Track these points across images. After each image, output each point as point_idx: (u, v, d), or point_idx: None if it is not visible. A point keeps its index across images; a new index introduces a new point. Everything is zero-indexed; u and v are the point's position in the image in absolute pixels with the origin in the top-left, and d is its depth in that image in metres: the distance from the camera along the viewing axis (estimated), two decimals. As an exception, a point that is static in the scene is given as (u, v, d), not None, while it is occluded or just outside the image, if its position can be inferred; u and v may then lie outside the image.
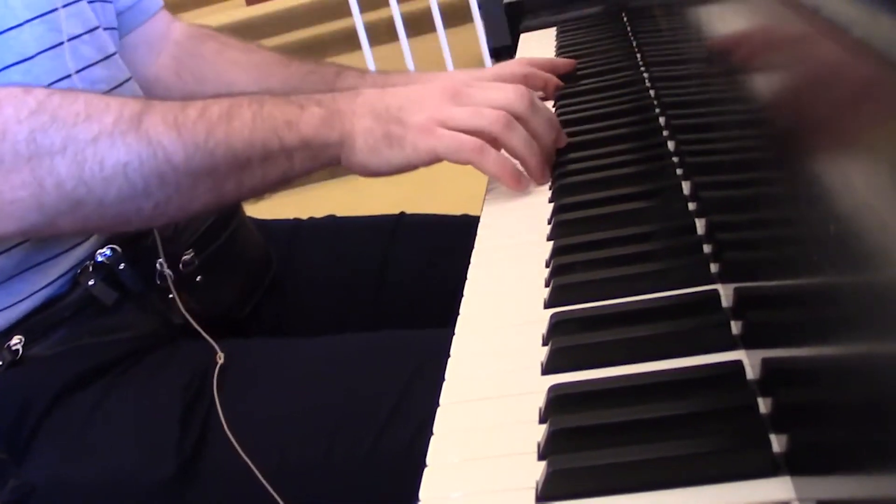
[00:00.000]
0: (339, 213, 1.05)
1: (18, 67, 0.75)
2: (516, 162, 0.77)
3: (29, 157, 0.68)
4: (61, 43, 0.79)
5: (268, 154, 0.72)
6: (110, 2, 0.90)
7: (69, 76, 0.79)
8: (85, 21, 0.82)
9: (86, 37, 0.82)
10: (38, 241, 0.77)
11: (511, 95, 0.76)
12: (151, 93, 0.98)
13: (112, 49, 0.86)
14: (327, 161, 0.75)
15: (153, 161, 0.70)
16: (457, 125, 0.74)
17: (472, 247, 0.72)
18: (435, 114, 0.74)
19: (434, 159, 0.74)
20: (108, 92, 0.83)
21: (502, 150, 0.76)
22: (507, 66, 1.01)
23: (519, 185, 0.76)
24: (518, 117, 0.75)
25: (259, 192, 0.76)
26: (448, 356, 0.58)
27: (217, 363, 0.76)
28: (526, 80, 0.98)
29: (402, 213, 1.02)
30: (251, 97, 0.74)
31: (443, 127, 0.73)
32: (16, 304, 0.77)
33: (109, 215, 0.71)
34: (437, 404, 0.53)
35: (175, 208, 0.73)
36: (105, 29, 0.86)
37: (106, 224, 0.74)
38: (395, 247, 0.98)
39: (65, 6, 0.80)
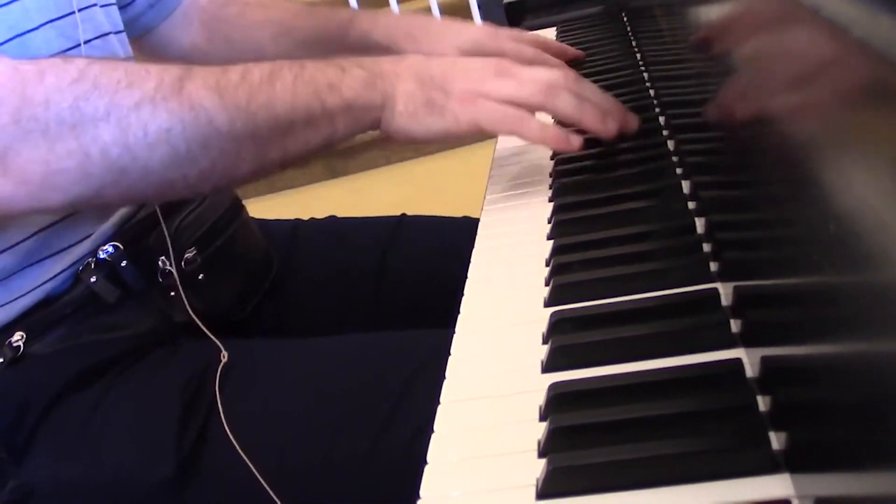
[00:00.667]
0: (340, 213, 1.05)
1: None
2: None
3: (73, 125, 0.67)
4: (72, 48, 0.79)
5: (310, 117, 0.72)
6: (117, 5, 0.90)
7: None
8: (95, 26, 0.82)
9: (96, 42, 0.82)
10: (42, 237, 0.77)
11: (556, 73, 0.76)
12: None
13: (125, 54, 0.86)
14: (369, 124, 0.75)
15: (196, 125, 0.69)
16: (499, 96, 0.73)
17: (473, 248, 0.72)
18: (478, 84, 0.74)
19: (475, 130, 0.74)
20: None
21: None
22: (519, 38, 1.01)
23: (569, 145, 0.75)
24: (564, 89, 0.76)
25: (303, 158, 0.75)
26: (447, 356, 0.58)
27: (221, 361, 0.76)
28: (534, 60, 0.97)
29: (403, 215, 1.02)
30: (292, 61, 0.73)
31: (483, 94, 0.73)
32: (16, 299, 0.77)
33: (154, 182, 0.70)
34: (436, 405, 0.53)
35: (220, 174, 0.72)
36: (114, 34, 0.86)
37: (151, 192, 0.73)
38: (395, 248, 0.98)
39: (80, 10, 0.80)
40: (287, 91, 0.71)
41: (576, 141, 0.75)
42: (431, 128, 0.74)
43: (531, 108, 0.74)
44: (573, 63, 1.04)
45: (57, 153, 0.67)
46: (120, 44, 0.87)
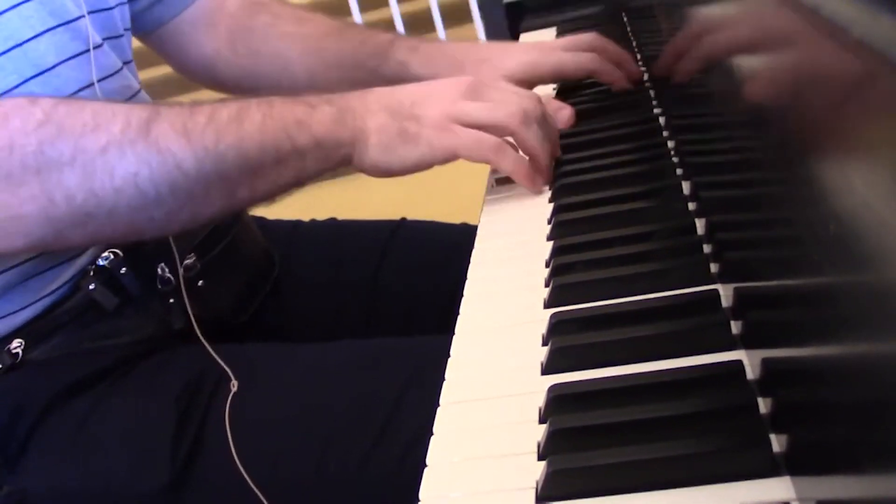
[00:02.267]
0: (341, 214, 1.05)
1: (38, 80, 0.74)
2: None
3: (38, 170, 0.66)
4: (83, 52, 0.78)
5: (280, 156, 0.71)
6: (127, 3, 0.90)
7: (90, 86, 0.78)
8: (101, 30, 0.82)
9: (106, 45, 0.82)
10: (46, 254, 0.76)
11: (525, 101, 0.76)
12: (212, 71, 1.00)
13: (124, 58, 0.86)
14: (339, 161, 0.73)
15: (163, 169, 0.68)
16: (472, 120, 0.73)
17: (471, 254, 0.71)
18: (449, 108, 0.73)
19: (451, 157, 0.73)
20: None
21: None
22: (574, 48, 0.94)
23: (534, 184, 0.76)
24: (530, 118, 0.75)
25: (272, 196, 0.74)
26: (444, 364, 0.58)
27: (231, 391, 0.75)
28: (596, 73, 0.94)
29: (403, 219, 1.02)
30: (260, 99, 0.72)
31: (458, 123, 0.72)
32: (19, 311, 0.76)
33: (120, 226, 0.70)
34: (430, 416, 0.53)
35: (187, 216, 0.72)
36: (119, 37, 0.86)
37: (117, 235, 0.73)
38: (393, 253, 0.97)
39: (91, 13, 0.80)
40: (256, 130, 0.71)
41: (539, 183, 0.77)
42: (407, 159, 0.73)
43: (504, 132, 0.74)
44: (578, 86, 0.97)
45: (20, 198, 0.66)
46: (127, 46, 0.87)
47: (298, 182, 0.74)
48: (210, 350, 0.79)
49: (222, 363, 0.77)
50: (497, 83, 0.78)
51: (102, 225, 0.69)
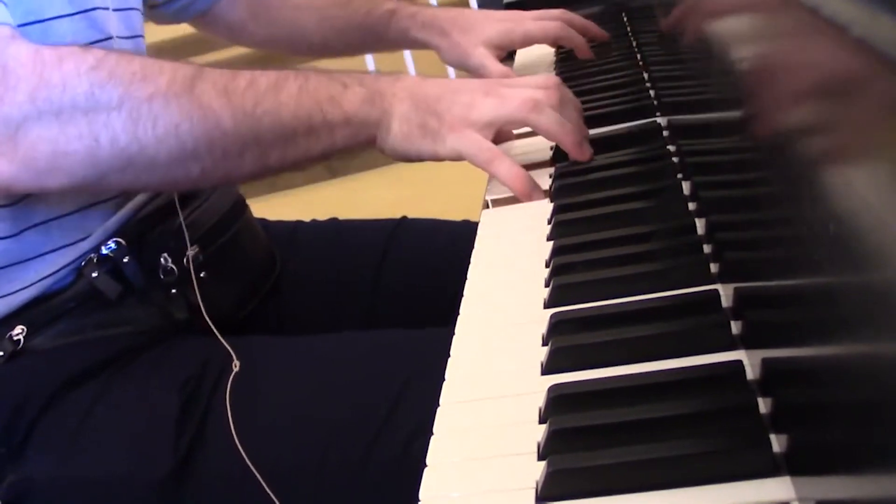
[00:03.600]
0: (341, 213, 1.05)
1: None
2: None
3: (86, 111, 0.70)
4: (100, 41, 0.80)
5: (312, 127, 0.75)
6: (140, 10, 0.91)
7: None
8: (118, 27, 0.83)
9: (122, 41, 0.83)
10: (44, 229, 0.77)
11: (542, 90, 0.77)
12: (239, 38, 1.12)
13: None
14: (365, 139, 0.77)
15: (203, 124, 0.72)
16: (486, 118, 0.75)
17: (472, 252, 0.72)
18: (468, 109, 0.76)
19: (457, 157, 0.76)
20: None
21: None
22: (544, 18, 1.07)
23: (528, 196, 0.77)
24: (547, 104, 0.77)
25: (301, 165, 0.78)
26: (445, 358, 0.58)
27: (233, 370, 0.76)
28: (560, 38, 1.08)
29: (404, 218, 1.02)
30: (297, 72, 0.76)
31: (472, 126, 0.75)
32: (17, 291, 0.77)
33: (158, 174, 0.73)
34: (434, 406, 0.53)
35: (221, 173, 0.75)
36: (133, 38, 0.87)
37: (154, 183, 0.77)
38: (394, 251, 0.98)
39: (109, 9, 0.82)
40: (292, 100, 0.74)
41: (537, 194, 0.77)
42: (422, 150, 0.77)
43: (516, 124, 0.77)
44: (568, 74, 1.04)
45: (67, 135, 0.70)
46: (135, 49, 0.87)
47: (327, 154, 0.77)
48: (214, 330, 0.80)
49: (224, 343, 0.78)
50: (516, 80, 0.82)
51: (142, 171, 0.72)
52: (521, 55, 1.20)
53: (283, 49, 1.14)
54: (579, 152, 0.79)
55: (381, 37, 1.08)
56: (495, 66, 1.03)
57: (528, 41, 1.09)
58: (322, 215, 1.05)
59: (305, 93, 0.75)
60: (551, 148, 0.85)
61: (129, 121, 0.70)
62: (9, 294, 0.77)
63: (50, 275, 0.78)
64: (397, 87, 0.77)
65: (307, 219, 1.04)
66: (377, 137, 0.77)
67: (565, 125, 0.78)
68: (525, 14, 1.08)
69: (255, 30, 1.09)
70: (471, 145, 0.75)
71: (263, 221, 1.00)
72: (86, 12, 0.79)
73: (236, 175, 0.78)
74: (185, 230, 0.83)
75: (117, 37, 0.82)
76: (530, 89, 0.78)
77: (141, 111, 0.71)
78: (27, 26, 0.74)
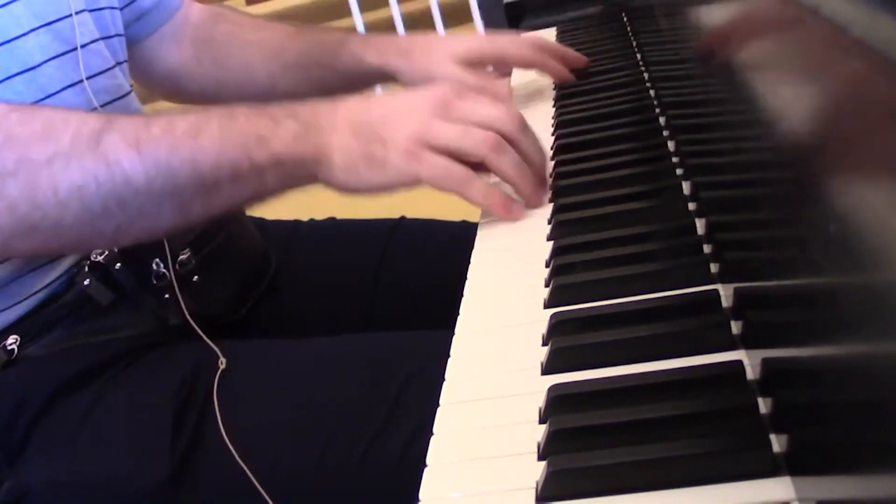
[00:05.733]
0: (340, 213, 1.05)
1: (22, 77, 0.74)
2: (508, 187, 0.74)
3: None
4: (68, 51, 0.78)
5: (237, 173, 0.69)
6: (119, 8, 0.90)
7: (76, 84, 0.78)
8: (91, 30, 0.82)
9: (92, 46, 0.81)
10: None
11: (502, 115, 0.72)
12: (181, 84, 1.01)
13: (117, 59, 0.86)
14: (303, 179, 0.72)
15: (111, 183, 0.66)
16: (442, 143, 0.70)
17: (471, 253, 0.71)
18: (419, 131, 0.70)
19: (416, 184, 0.71)
20: (109, 104, 0.82)
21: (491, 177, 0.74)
22: (518, 41, 0.99)
23: (509, 214, 0.73)
24: (507, 138, 0.72)
25: (230, 210, 0.73)
26: (444, 359, 0.58)
27: (219, 368, 0.75)
28: (535, 63, 0.99)
29: (402, 218, 1.02)
30: (223, 110, 0.70)
31: (427, 147, 0.69)
32: (14, 305, 0.77)
33: (68, 238, 0.69)
34: (433, 408, 0.53)
35: (139, 230, 0.70)
36: (111, 37, 0.86)
37: (66, 246, 0.72)
38: (393, 251, 0.97)
39: (77, 13, 0.79)
40: (213, 145, 0.68)
41: (518, 210, 0.73)
42: (371, 182, 0.71)
43: (473, 160, 0.71)
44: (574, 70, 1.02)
45: None
46: (119, 48, 0.87)
47: (259, 198, 0.72)
48: (201, 334, 0.79)
49: (211, 343, 0.77)
50: (468, 93, 0.74)
51: (49, 237, 0.67)
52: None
53: (228, 97, 1.01)
54: (534, 199, 0.73)
55: (330, 66, 0.98)
56: (470, 76, 0.92)
57: (502, 60, 1.00)
58: (321, 215, 1.05)
59: (229, 134, 0.69)
60: (552, 148, 0.85)
61: (26, 187, 0.65)
62: (5, 309, 0.77)
63: (44, 287, 0.77)
64: (337, 117, 0.71)
65: (305, 218, 1.04)
66: (318, 175, 0.71)
67: (522, 170, 0.72)
68: (498, 37, 1.01)
69: (195, 71, 1.01)
70: (433, 169, 0.69)
71: (261, 221, 1.00)
72: (50, 24, 0.77)
73: (157, 229, 0.71)
74: (176, 235, 0.82)
75: (91, 41, 0.81)
76: (491, 115, 0.72)
77: (39, 176, 0.65)
78: None
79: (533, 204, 0.74)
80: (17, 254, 0.73)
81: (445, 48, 0.94)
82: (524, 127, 0.74)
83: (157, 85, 1.03)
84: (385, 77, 0.98)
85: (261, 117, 0.70)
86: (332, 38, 0.99)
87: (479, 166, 0.72)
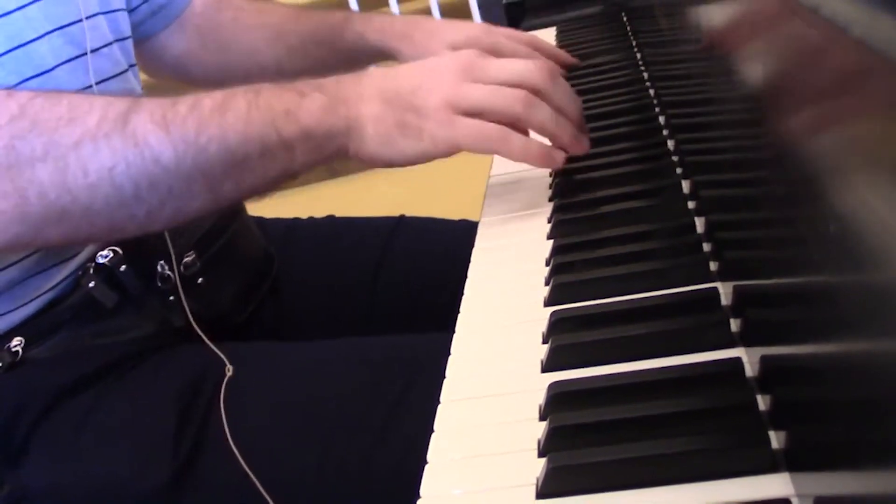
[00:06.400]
0: (340, 213, 1.05)
1: (36, 80, 0.74)
2: (542, 139, 0.73)
3: (9, 166, 0.63)
4: (80, 55, 0.78)
5: (266, 148, 0.67)
6: (131, 9, 0.90)
7: (87, 88, 0.78)
8: (105, 34, 0.82)
9: (104, 50, 0.81)
10: (48, 251, 0.76)
11: (531, 67, 0.71)
12: (188, 70, 1.02)
13: (129, 61, 0.86)
14: (334, 152, 0.70)
15: (141, 163, 0.65)
16: (474, 106, 0.69)
17: (471, 252, 0.71)
18: (450, 95, 0.69)
19: (454, 151, 0.69)
20: None
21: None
22: (514, 36, 0.98)
23: (552, 163, 0.72)
24: (538, 92, 0.71)
25: (260, 191, 0.71)
26: (444, 362, 0.58)
27: (226, 375, 0.75)
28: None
29: (402, 216, 1.02)
30: (248, 87, 0.69)
31: (460, 111, 0.69)
32: (20, 307, 0.76)
33: (99, 224, 0.67)
34: (434, 410, 0.53)
35: (170, 212, 0.68)
36: (125, 39, 0.86)
37: (97, 233, 0.70)
38: (393, 249, 0.97)
39: (88, 18, 0.79)
40: (240, 121, 0.67)
41: (559, 157, 0.72)
42: (408, 152, 0.69)
43: (507, 120, 0.70)
44: (568, 74, 1.02)
45: None
46: (127, 52, 0.87)
47: (289, 174, 0.70)
48: (205, 339, 0.79)
49: (216, 350, 0.77)
50: (494, 55, 0.73)
51: (80, 222, 0.66)
52: None
53: (235, 81, 0.97)
54: (577, 146, 0.73)
55: (334, 46, 0.99)
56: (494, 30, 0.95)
57: (496, 52, 0.98)
58: (320, 213, 1.05)
59: (256, 110, 0.67)
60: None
61: (56, 172, 0.64)
62: (12, 310, 0.76)
63: (49, 289, 0.77)
64: (363, 87, 0.70)
65: (305, 216, 1.04)
66: (349, 147, 0.70)
67: (559, 121, 0.72)
68: (495, 29, 0.99)
69: (204, 57, 1.01)
70: (469, 133, 0.68)
71: (259, 219, 0.99)
72: (63, 28, 0.77)
73: (189, 211, 0.69)
74: (180, 236, 0.82)
75: (102, 46, 0.81)
76: (519, 70, 0.71)
77: (68, 159, 0.64)
78: (10, 53, 0.72)
79: (575, 151, 0.74)
80: (48, 243, 0.72)
81: (443, 35, 0.95)
82: (554, 77, 0.73)
83: (164, 73, 1.04)
84: (385, 57, 0.99)
85: (287, 92, 0.69)
86: (334, 19, 1.00)
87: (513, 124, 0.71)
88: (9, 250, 0.73)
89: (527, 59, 0.73)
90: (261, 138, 0.67)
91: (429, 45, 0.95)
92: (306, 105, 0.68)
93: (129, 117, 0.66)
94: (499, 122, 0.70)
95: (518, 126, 0.71)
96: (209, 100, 0.68)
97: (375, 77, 0.71)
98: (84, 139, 0.64)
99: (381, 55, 0.99)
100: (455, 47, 0.93)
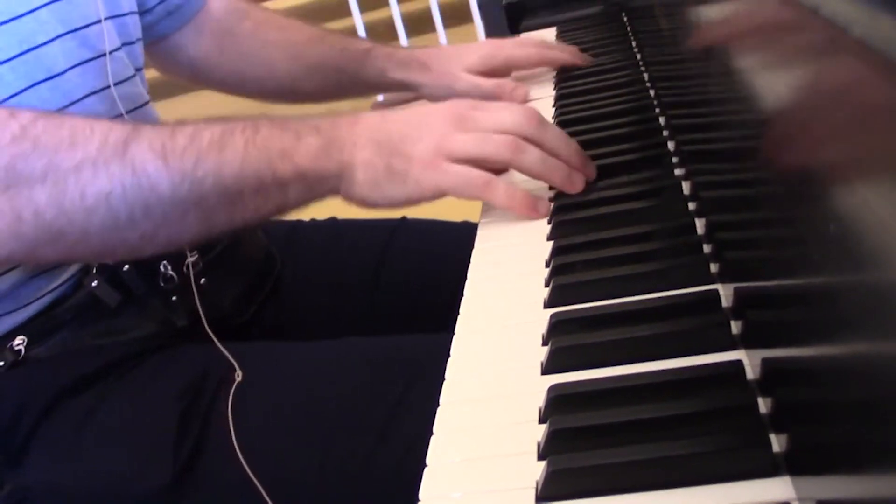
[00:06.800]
0: (341, 213, 1.05)
1: (48, 84, 0.74)
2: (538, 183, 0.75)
3: (7, 186, 0.65)
4: (93, 58, 0.78)
5: (260, 185, 0.69)
6: (138, 13, 0.90)
7: (99, 91, 0.79)
8: (114, 38, 0.82)
9: (115, 53, 0.82)
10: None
11: (518, 117, 0.73)
12: (203, 73, 1.04)
13: (136, 65, 0.86)
14: (325, 193, 0.72)
15: (137, 190, 0.67)
16: (462, 154, 0.70)
17: (471, 253, 0.71)
18: (439, 143, 0.71)
19: (438, 195, 0.71)
20: (130, 112, 0.83)
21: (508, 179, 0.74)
22: (523, 43, 1.06)
23: (536, 212, 0.73)
24: (528, 138, 0.72)
25: (252, 223, 0.73)
26: (445, 363, 0.58)
27: (234, 380, 0.75)
28: (542, 59, 1.06)
29: (404, 218, 1.02)
30: (246, 122, 0.71)
31: (448, 158, 0.70)
32: (23, 307, 0.77)
33: (94, 245, 0.68)
34: (434, 409, 0.53)
35: (163, 239, 0.70)
36: (133, 43, 0.86)
37: (91, 254, 0.72)
38: (394, 251, 0.97)
39: (104, 20, 0.80)
40: (237, 157, 0.69)
41: (543, 208, 0.73)
42: (392, 195, 0.71)
43: (497, 166, 0.71)
44: (568, 74, 1.04)
45: None
46: (137, 55, 0.87)
47: (281, 210, 0.72)
48: (216, 341, 0.79)
49: (227, 353, 0.78)
50: (484, 103, 0.75)
51: (75, 243, 0.67)
52: None
53: (250, 90, 1.06)
54: (570, 186, 0.74)
55: (355, 76, 1.03)
56: (487, 82, 1.00)
57: (510, 65, 1.06)
58: (322, 215, 1.05)
59: (253, 147, 0.69)
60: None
61: (53, 193, 0.65)
62: (15, 310, 0.77)
63: (53, 289, 0.78)
64: (357, 132, 0.72)
65: (307, 218, 1.04)
66: (340, 189, 0.72)
67: (548, 162, 0.73)
68: (503, 42, 1.07)
69: (221, 62, 1.03)
70: (454, 178, 0.70)
71: (260, 220, 1.00)
72: (75, 31, 0.78)
73: (181, 239, 0.72)
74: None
75: (114, 49, 0.81)
76: (507, 120, 0.72)
77: (67, 182, 0.65)
78: (22, 56, 0.73)
79: (569, 191, 0.74)
80: (42, 262, 0.74)
81: (459, 61, 1.01)
82: (542, 122, 0.74)
83: (179, 73, 1.05)
84: (404, 88, 1.04)
85: (284, 131, 0.71)
86: (356, 49, 1.03)
87: (503, 172, 0.73)
88: (2, 266, 0.74)
89: (513, 108, 0.74)
90: (256, 176, 0.69)
91: (447, 71, 1.01)
92: (302, 147, 0.70)
93: (129, 145, 0.67)
94: (489, 170, 0.71)
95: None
96: (208, 133, 0.69)
97: (370, 122, 0.73)
98: (84, 163, 0.66)
99: (402, 88, 1.04)
100: (471, 70, 1.01)
